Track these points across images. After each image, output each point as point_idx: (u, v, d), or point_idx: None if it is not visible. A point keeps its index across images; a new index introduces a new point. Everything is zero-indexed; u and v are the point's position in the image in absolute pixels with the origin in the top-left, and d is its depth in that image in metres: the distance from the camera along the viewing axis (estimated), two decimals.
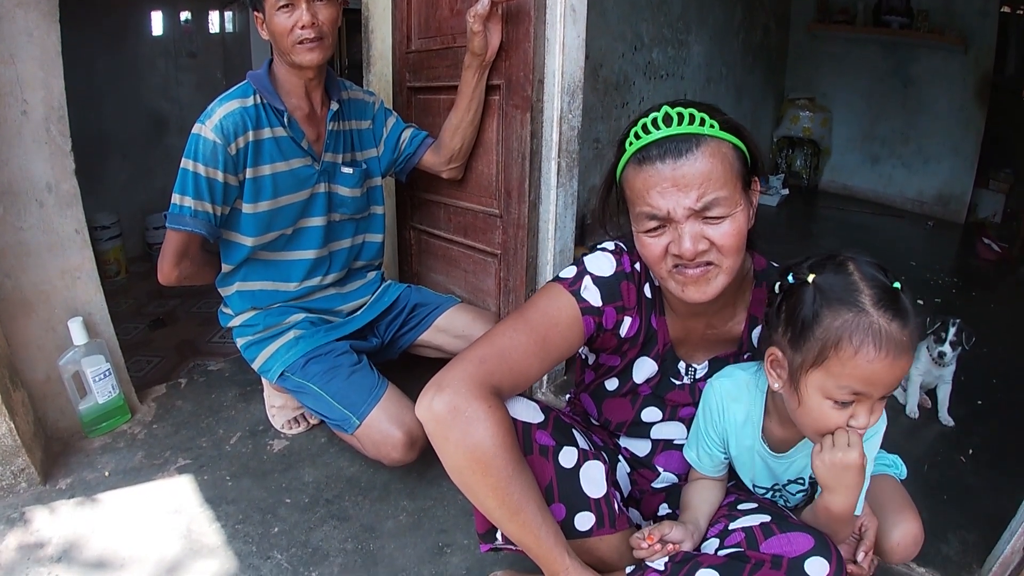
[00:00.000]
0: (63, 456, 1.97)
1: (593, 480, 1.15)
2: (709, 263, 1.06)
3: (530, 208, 2.04)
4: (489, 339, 1.15)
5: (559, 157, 2.02)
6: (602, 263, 1.21)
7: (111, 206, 3.52)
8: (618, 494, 1.25)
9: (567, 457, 1.15)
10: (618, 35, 3.82)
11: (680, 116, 1.03)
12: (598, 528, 1.15)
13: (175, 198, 1.75)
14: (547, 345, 1.16)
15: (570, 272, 1.22)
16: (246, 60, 4.10)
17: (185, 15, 4.23)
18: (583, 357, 1.38)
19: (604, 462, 1.20)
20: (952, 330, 2.16)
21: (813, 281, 0.99)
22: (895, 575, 1.57)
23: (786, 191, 5.61)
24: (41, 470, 1.85)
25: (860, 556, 1.15)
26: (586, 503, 1.14)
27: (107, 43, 3.73)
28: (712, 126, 1.03)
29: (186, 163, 1.72)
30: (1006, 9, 4.72)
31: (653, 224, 1.06)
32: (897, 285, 0.96)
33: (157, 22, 4.12)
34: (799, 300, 1.00)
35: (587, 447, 1.20)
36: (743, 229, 1.06)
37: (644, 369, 1.29)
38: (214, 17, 4.36)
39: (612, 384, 1.33)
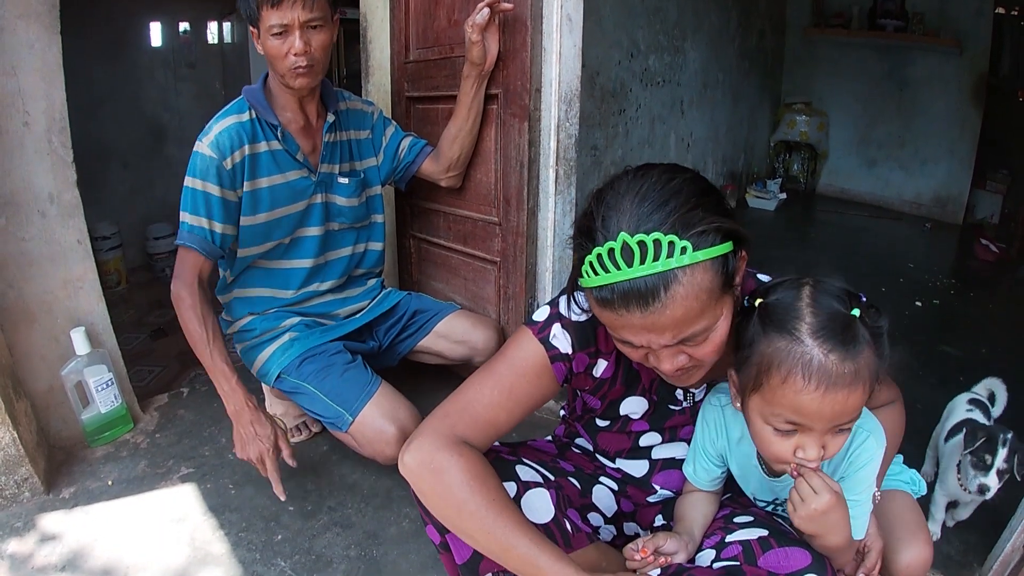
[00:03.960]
0: (66, 465, 1.98)
1: (536, 508, 1.14)
2: (690, 367, 1.01)
3: (529, 216, 2.05)
4: (456, 394, 1.15)
5: (557, 165, 2.03)
6: (576, 306, 1.14)
7: (111, 216, 3.54)
8: (576, 515, 1.23)
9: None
10: (614, 42, 3.84)
11: (643, 248, 0.86)
12: None
13: (180, 216, 1.77)
14: (514, 396, 1.14)
15: (542, 315, 1.17)
16: (245, 71, 4.11)
17: (184, 26, 4.26)
18: (574, 390, 1.36)
19: (551, 490, 1.17)
20: (1003, 452, 1.49)
21: (759, 304, 0.96)
22: None
23: (784, 195, 5.63)
24: (44, 479, 1.86)
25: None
26: None
27: (106, 54, 3.76)
28: (684, 250, 0.86)
29: (186, 180, 1.75)
30: (1000, 10, 4.74)
31: (627, 346, 1.00)
32: (856, 313, 0.90)
33: (156, 33, 4.15)
34: (745, 322, 0.98)
35: (530, 479, 1.18)
36: (725, 334, 0.97)
37: (633, 406, 1.27)
38: (212, 28, 4.40)
39: (603, 422, 1.32)
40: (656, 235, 0.86)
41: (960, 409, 1.73)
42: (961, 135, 5.00)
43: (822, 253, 4.45)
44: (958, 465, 1.58)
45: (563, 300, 1.16)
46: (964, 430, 1.57)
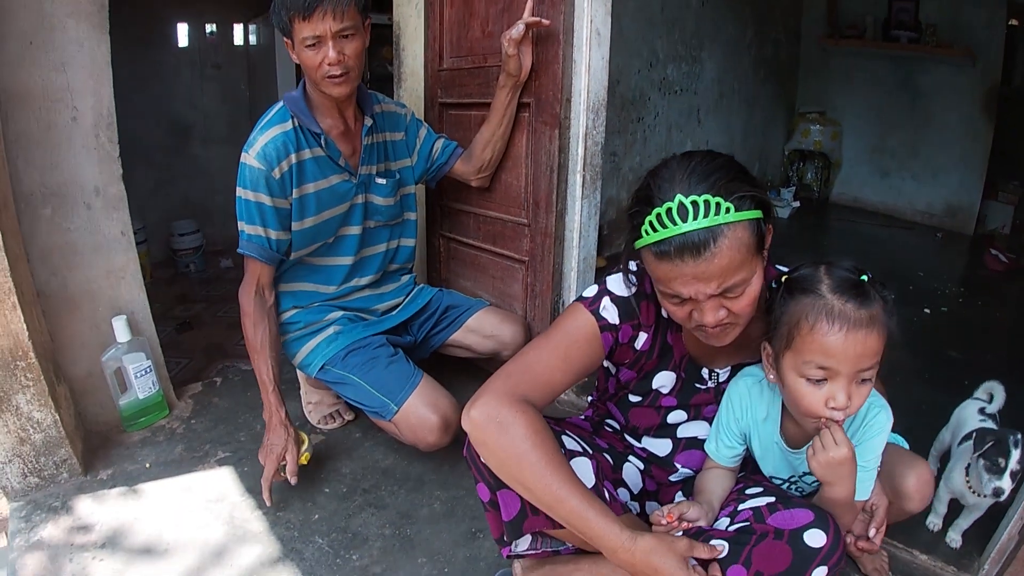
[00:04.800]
0: (103, 449, 2.04)
1: (580, 474, 1.23)
2: (728, 323, 1.14)
3: (557, 218, 2.14)
4: (517, 357, 1.28)
5: (584, 170, 2.12)
6: (622, 284, 1.30)
7: (136, 212, 3.52)
8: (611, 486, 1.33)
9: None
10: (634, 52, 3.90)
11: (695, 207, 1.02)
12: None
13: (238, 225, 1.85)
14: (569, 359, 1.27)
15: (592, 291, 1.31)
16: (271, 72, 4.18)
17: (210, 27, 4.33)
18: (606, 368, 1.47)
19: (592, 460, 1.29)
20: (1016, 453, 1.48)
21: (785, 280, 1.14)
22: (900, 563, 1.64)
23: (797, 203, 5.65)
24: (82, 461, 1.93)
25: (872, 532, 1.25)
26: None
27: (134, 53, 3.80)
28: (729, 210, 1.03)
29: (238, 192, 1.82)
30: (1014, 22, 4.77)
31: (675, 301, 1.12)
32: (864, 278, 1.07)
33: (183, 34, 4.23)
34: (774, 297, 1.14)
35: (574, 448, 1.29)
36: (758, 292, 1.11)
37: (664, 380, 1.38)
38: (239, 30, 4.46)
39: (635, 398, 1.43)
40: (706, 196, 1.02)
41: (973, 419, 1.77)
42: (973, 146, 5.01)
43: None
44: (967, 468, 1.62)
45: (611, 279, 1.31)
46: (975, 433, 1.62)
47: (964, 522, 1.69)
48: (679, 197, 1.03)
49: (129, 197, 2.13)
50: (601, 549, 1.13)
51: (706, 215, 1.02)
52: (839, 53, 5.73)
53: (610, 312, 1.28)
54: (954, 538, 1.70)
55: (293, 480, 1.77)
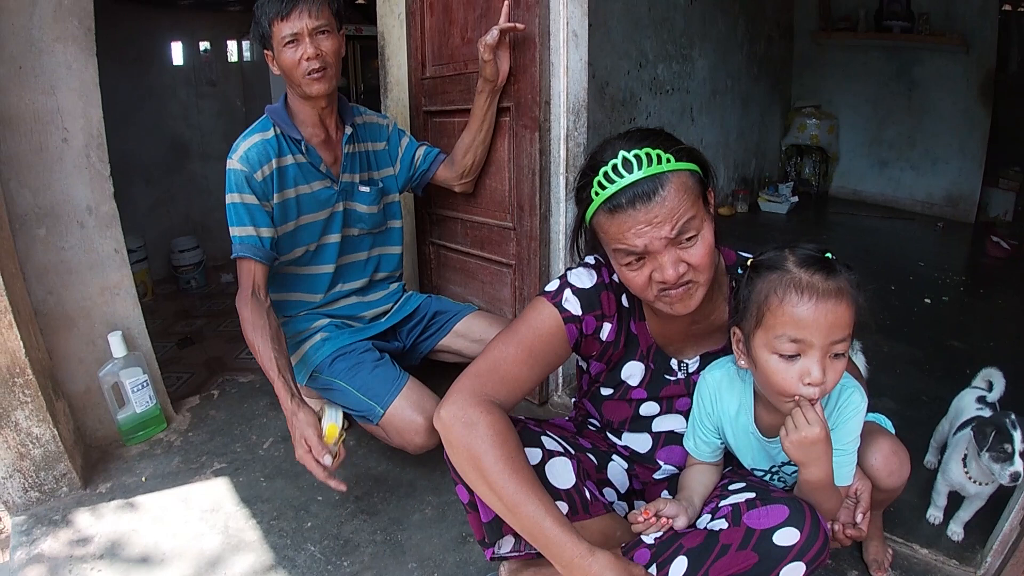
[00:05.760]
0: (102, 463, 2.07)
1: (559, 474, 1.26)
2: (689, 282, 1.16)
3: (541, 220, 2.15)
4: (483, 355, 1.28)
5: (567, 172, 2.13)
6: (583, 276, 1.32)
7: (136, 230, 3.63)
8: (594, 486, 1.35)
9: (531, 457, 1.24)
10: (623, 53, 3.93)
11: (638, 159, 1.10)
12: (573, 515, 1.24)
13: (230, 231, 1.89)
14: (534, 353, 1.28)
15: (553, 286, 1.33)
16: (265, 88, 4.23)
17: (204, 45, 4.38)
18: (581, 367, 1.49)
19: (572, 460, 1.30)
20: (1018, 434, 1.47)
21: (750, 263, 1.15)
22: (901, 558, 1.63)
23: (796, 199, 5.66)
24: (82, 475, 1.95)
25: (859, 518, 1.25)
26: (556, 494, 1.24)
27: (129, 72, 3.88)
28: (669, 160, 1.11)
29: (227, 198, 1.88)
30: (1007, 7, 4.78)
31: (632, 259, 1.15)
32: (828, 255, 1.10)
33: (177, 52, 4.28)
34: (742, 281, 1.16)
35: (554, 448, 1.30)
36: (711, 242, 1.15)
37: (632, 371, 1.39)
38: (232, 47, 4.52)
39: (607, 391, 1.44)
40: (647, 149, 1.11)
41: (970, 408, 1.78)
42: (971, 133, 5.02)
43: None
44: (964, 458, 1.62)
45: (571, 273, 1.34)
46: (972, 427, 1.60)
47: (965, 514, 1.68)
48: (622, 153, 1.11)
49: (129, 215, 2.16)
50: (554, 561, 1.11)
51: (649, 164, 1.10)
52: (833, 46, 5.75)
53: (572, 304, 1.29)
54: (955, 531, 1.69)
55: (327, 462, 1.62)
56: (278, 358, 1.79)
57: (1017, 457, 1.46)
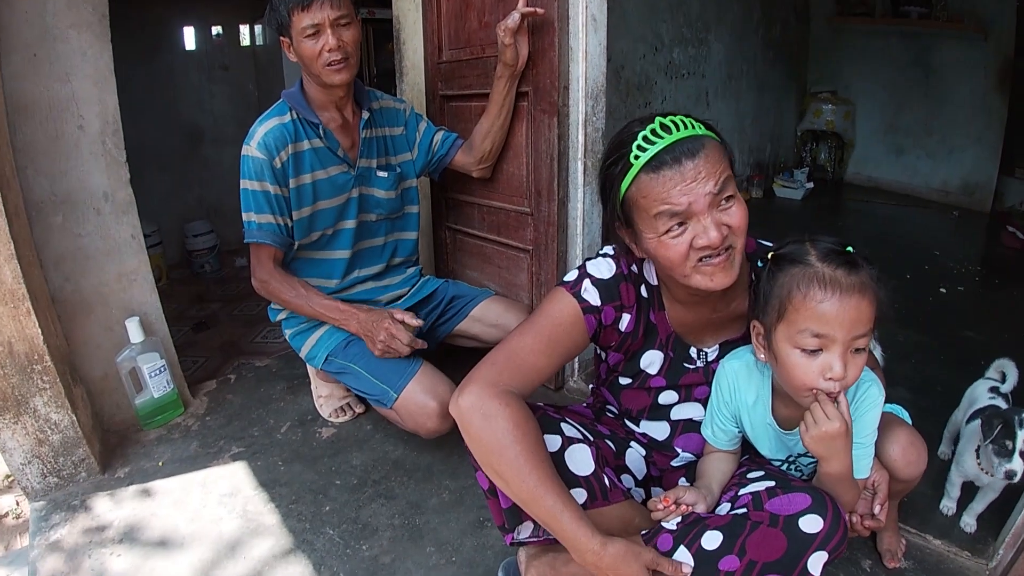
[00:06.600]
0: (120, 448, 2.09)
1: (578, 461, 1.25)
2: (729, 247, 1.15)
3: (559, 206, 2.14)
4: (503, 344, 1.28)
5: (585, 157, 2.12)
6: (601, 267, 1.31)
7: (150, 215, 3.60)
8: (612, 473, 1.34)
9: (550, 444, 1.25)
10: (639, 37, 3.90)
11: (675, 124, 1.13)
12: (591, 502, 1.24)
13: (244, 216, 1.90)
14: (553, 343, 1.27)
15: (572, 276, 1.32)
16: (277, 72, 4.21)
17: (216, 29, 4.36)
18: (599, 355, 1.48)
19: (592, 447, 1.29)
20: (1022, 433, 1.45)
21: (772, 256, 1.15)
22: (914, 548, 1.62)
23: (811, 184, 5.62)
24: (100, 460, 1.97)
25: (876, 508, 1.25)
26: (575, 481, 1.24)
27: (142, 57, 3.87)
28: (700, 128, 1.15)
29: (242, 183, 1.88)
30: None
31: (674, 223, 1.13)
32: (849, 249, 1.10)
33: (189, 36, 4.26)
34: (762, 273, 1.15)
35: (573, 435, 1.29)
36: (745, 209, 1.16)
37: (651, 360, 1.38)
38: (244, 31, 4.50)
39: (625, 380, 1.44)
40: (680, 117, 1.15)
41: (983, 397, 1.76)
42: (988, 122, 4.95)
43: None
44: (977, 449, 1.60)
45: (590, 263, 1.33)
46: (983, 416, 1.58)
47: (978, 505, 1.66)
48: (658, 119, 1.14)
49: (143, 201, 2.16)
50: (571, 550, 1.14)
51: (686, 128, 1.13)
52: (849, 31, 5.69)
53: (591, 294, 1.29)
54: (968, 522, 1.67)
55: (413, 322, 1.91)
56: (323, 298, 1.94)
57: (1016, 456, 1.45)
